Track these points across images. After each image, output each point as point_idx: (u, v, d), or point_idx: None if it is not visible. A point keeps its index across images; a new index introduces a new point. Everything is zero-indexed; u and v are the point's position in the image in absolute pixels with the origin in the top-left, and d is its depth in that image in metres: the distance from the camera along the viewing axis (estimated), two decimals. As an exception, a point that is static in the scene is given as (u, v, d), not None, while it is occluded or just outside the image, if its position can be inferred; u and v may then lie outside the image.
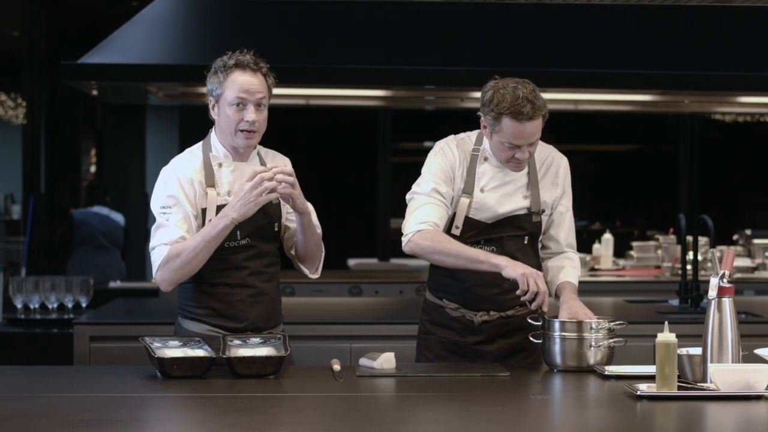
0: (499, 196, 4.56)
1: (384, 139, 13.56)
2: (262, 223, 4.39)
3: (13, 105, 14.80)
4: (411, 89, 8.63)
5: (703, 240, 8.32)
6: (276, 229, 4.46)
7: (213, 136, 4.45)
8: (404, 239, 4.50)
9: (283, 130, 13.84)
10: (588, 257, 8.84)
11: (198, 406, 3.71)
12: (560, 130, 13.41)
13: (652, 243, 9.12)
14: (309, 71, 7.96)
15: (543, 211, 4.61)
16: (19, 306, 6.43)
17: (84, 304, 6.48)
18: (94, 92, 8.77)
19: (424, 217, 4.48)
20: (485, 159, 4.57)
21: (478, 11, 8.23)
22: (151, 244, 4.35)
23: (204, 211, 4.34)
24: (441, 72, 8.02)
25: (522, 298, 4.32)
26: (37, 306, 6.42)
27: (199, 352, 4.13)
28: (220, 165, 4.39)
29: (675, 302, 6.54)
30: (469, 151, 4.59)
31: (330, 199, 13.54)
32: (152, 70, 7.79)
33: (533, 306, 4.31)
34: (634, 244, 9.14)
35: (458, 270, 4.49)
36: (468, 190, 4.55)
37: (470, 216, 4.55)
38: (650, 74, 8.04)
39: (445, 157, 4.58)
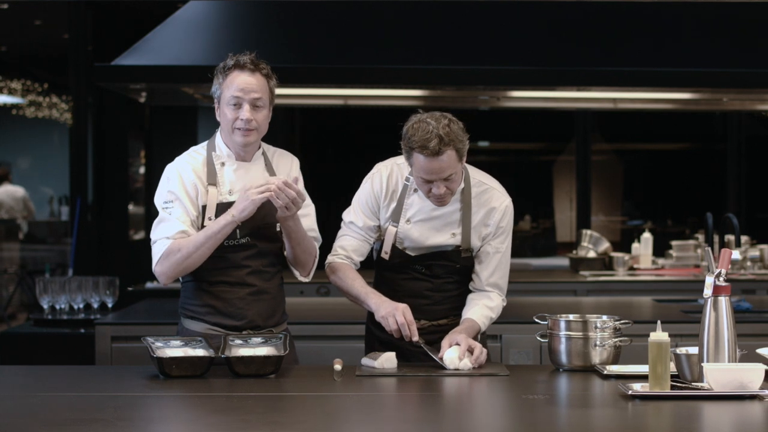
0: (425, 229, 4.58)
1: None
2: (264, 223, 4.43)
3: (67, 108, 14.95)
4: (461, 89, 8.56)
5: (743, 239, 8.22)
6: (278, 229, 4.48)
7: (218, 136, 4.52)
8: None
9: (322, 130, 13.90)
10: (627, 256, 8.77)
11: (194, 405, 3.72)
12: (615, 129, 13.37)
13: (691, 242, 9.01)
14: (347, 71, 7.96)
15: (473, 249, 4.61)
16: (45, 307, 6.48)
17: (110, 305, 6.52)
18: (143, 96, 8.80)
19: (339, 249, 4.66)
20: (415, 190, 4.58)
21: (517, 10, 8.18)
22: (153, 237, 4.40)
23: (204, 208, 4.38)
24: (486, 72, 7.96)
25: (396, 336, 4.38)
26: (63, 306, 6.47)
27: (199, 352, 4.15)
28: (223, 164, 4.46)
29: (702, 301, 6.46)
30: (402, 179, 4.61)
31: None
32: (185, 72, 7.80)
33: (406, 338, 4.34)
34: (673, 243, 9.02)
35: (390, 280, 4.64)
36: (395, 219, 4.60)
37: (396, 245, 4.61)
38: (686, 72, 7.95)
39: (372, 187, 4.65)
